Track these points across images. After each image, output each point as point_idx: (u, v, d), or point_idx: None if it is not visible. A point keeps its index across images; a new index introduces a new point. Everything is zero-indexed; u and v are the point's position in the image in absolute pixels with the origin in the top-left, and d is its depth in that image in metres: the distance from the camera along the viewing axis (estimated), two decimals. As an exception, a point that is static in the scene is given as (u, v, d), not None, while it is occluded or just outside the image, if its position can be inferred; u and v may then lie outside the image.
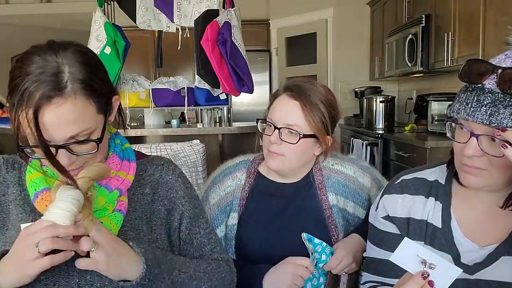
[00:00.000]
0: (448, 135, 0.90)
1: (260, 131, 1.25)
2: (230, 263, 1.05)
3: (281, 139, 1.17)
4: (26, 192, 0.90)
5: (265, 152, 1.24)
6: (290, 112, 1.18)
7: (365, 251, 1.12)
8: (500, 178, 0.85)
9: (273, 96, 1.25)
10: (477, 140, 0.82)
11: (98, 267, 0.77)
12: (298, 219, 1.24)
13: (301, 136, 1.17)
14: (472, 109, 0.82)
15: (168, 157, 1.09)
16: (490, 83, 0.81)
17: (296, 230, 1.21)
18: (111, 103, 0.89)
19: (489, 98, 0.80)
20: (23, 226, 0.76)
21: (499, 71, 0.79)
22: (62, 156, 0.80)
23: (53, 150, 0.79)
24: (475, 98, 0.82)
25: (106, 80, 0.86)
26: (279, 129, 1.17)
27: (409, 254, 0.80)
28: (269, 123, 1.21)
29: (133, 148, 1.04)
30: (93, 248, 0.75)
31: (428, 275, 0.78)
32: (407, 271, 0.81)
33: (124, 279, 0.80)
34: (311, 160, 1.27)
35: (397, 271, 1.04)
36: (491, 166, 0.83)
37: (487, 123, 0.80)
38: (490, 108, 0.79)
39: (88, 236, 0.75)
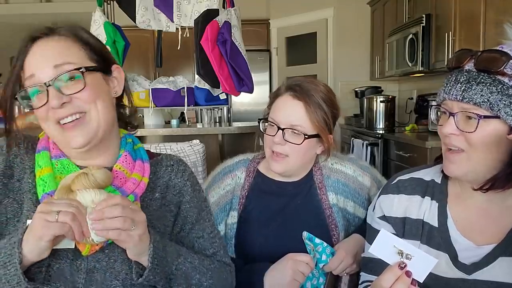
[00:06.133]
0: (432, 117, 0.96)
1: (262, 131, 1.24)
2: (231, 267, 1.05)
3: (285, 139, 1.17)
4: None
5: (268, 153, 1.23)
6: (293, 112, 1.17)
7: None
8: (480, 161, 0.87)
9: (274, 95, 1.24)
10: (454, 119, 0.86)
11: (132, 243, 0.79)
12: (298, 218, 1.24)
13: (306, 136, 1.16)
14: (449, 87, 0.87)
15: None
16: (469, 65, 0.87)
17: (296, 229, 1.21)
18: (111, 69, 0.92)
19: (465, 76, 0.86)
20: (29, 222, 0.77)
21: (478, 53, 0.86)
22: (53, 98, 0.81)
23: (44, 94, 0.82)
24: (454, 78, 0.88)
25: (102, 47, 0.93)
26: (282, 129, 1.17)
27: (386, 245, 0.83)
28: (271, 123, 1.20)
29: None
30: (132, 227, 0.77)
31: (405, 265, 0.81)
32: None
33: (141, 257, 0.83)
34: (312, 160, 1.27)
35: None
36: (468, 146, 0.86)
37: (461, 98, 0.85)
38: (465, 85, 0.85)
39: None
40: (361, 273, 1.10)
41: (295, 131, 1.16)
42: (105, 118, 0.88)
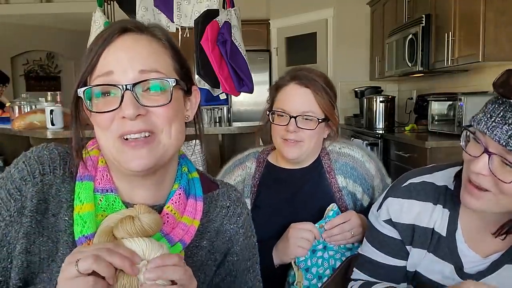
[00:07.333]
0: (461, 143, 0.83)
1: (273, 122, 1.26)
2: None
3: (298, 127, 1.21)
4: None
5: (278, 142, 1.26)
6: (303, 99, 1.22)
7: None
8: (506, 207, 0.79)
9: (276, 87, 1.28)
10: (489, 159, 0.75)
11: None
12: (308, 204, 1.27)
13: (320, 120, 1.22)
14: (493, 124, 0.74)
15: None
16: None
17: (307, 215, 1.23)
18: (191, 88, 0.80)
19: None
20: None
21: None
22: (129, 105, 0.68)
23: (116, 98, 0.69)
24: (501, 114, 0.74)
25: (186, 61, 0.80)
26: (295, 117, 1.21)
27: None
28: (281, 113, 1.23)
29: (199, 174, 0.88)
30: None
31: None
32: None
33: None
34: (320, 144, 1.31)
35: (394, 277, 1.02)
36: (496, 188, 0.77)
37: (504, 143, 0.72)
38: None
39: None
40: (355, 269, 1.08)
41: (307, 117, 1.21)
42: (175, 145, 0.75)
